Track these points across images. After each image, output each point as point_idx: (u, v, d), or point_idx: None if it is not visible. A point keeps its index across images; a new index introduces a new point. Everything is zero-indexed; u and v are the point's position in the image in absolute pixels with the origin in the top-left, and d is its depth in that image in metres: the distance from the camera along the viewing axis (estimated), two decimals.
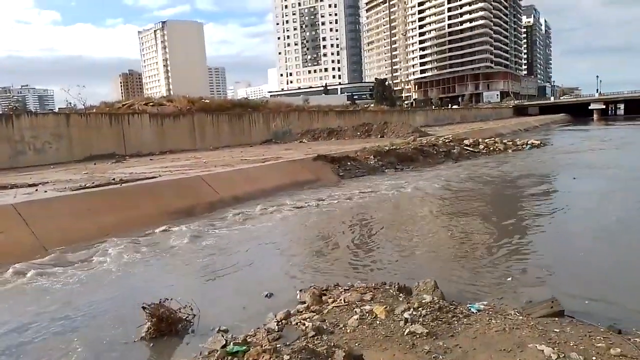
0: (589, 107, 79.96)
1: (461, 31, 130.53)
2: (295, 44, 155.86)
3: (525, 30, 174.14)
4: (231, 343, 3.71)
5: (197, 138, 25.43)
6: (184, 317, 4.36)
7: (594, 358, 3.11)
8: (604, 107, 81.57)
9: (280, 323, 4.07)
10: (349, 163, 16.13)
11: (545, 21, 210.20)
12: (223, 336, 3.96)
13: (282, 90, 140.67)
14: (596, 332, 3.52)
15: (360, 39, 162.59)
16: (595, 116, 75.07)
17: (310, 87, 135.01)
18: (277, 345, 3.46)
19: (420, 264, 6.20)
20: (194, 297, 4.59)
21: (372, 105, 64.62)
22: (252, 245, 7.56)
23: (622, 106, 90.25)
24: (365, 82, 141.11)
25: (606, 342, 3.32)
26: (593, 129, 45.50)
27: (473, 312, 4.02)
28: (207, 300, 4.99)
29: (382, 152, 17.76)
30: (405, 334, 3.59)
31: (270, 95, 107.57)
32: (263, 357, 3.30)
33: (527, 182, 13.02)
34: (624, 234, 7.41)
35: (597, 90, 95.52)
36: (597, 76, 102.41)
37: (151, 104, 28.08)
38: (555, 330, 3.54)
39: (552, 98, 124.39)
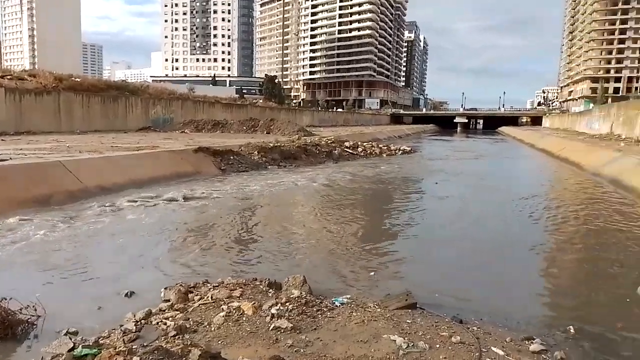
0: (455, 120, 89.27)
1: (350, 38, 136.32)
2: (184, 29, 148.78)
3: (406, 44, 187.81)
4: (80, 346, 3.38)
5: (63, 120, 22.93)
6: (25, 319, 3.85)
7: (437, 345, 3.43)
8: (466, 121, 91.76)
9: (139, 323, 3.80)
10: (232, 157, 15.83)
11: (424, 38, 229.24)
12: (71, 339, 3.58)
13: (167, 76, 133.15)
14: (442, 322, 3.89)
15: (253, 33, 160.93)
16: (459, 128, 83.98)
17: (198, 76, 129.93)
18: (133, 347, 3.23)
19: (294, 259, 6.29)
20: (41, 296, 4.09)
21: (261, 101, 64.42)
22: (115, 240, 6.99)
23: (481, 121, 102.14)
24: (255, 77, 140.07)
25: (449, 331, 3.68)
26: (456, 140, 50.74)
27: (337, 306, 4.18)
28: (57, 300, 4.48)
29: (266, 149, 17.77)
30: (270, 329, 3.60)
31: (153, 80, 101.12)
32: (116, 359, 3.05)
33: (397, 184, 14.06)
34: (474, 234, 8.34)
35: (462, 105, 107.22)
36: (463, 93, 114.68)
37: (9, 77, 24.58)
38: (407, 321, 3.83)
39: (424, 109, 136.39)
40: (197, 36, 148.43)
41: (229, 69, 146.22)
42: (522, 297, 5.22)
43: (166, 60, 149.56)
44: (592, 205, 11.04)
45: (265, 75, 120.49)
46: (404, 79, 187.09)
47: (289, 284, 4.70)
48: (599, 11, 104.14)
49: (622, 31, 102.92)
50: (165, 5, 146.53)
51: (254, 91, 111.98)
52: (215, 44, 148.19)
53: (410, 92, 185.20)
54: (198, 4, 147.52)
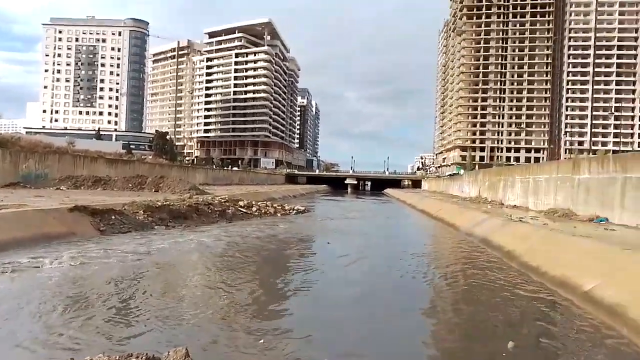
0: (345, 182, 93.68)
1: (245, 99, 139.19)
2: (67, 81, 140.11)
3: (299, 109, 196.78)
4: None
5: None
6: None
7: None
8: (356, 182, 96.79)
9: None
10: (113, 217, 14.68)
11: (316, 104, 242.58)
12: None
13: (44, 128, 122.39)
14: None
15: (144, 88, 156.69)
16: (349, 189, 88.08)
17: (80, 130, 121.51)
18: None
19: (179, 328, 5.86)
20: None
21: (150, 157, 61.74)
22: None
23: (369, 183, 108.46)
24: (145, 133, 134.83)
25: None
26: (347, 200, 53.03)
27: None
28: None
29: (153, 207, 16.82)
30: None
31: (27, 132, 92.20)
32: None
33: (290, 244, 14.09)
34: (364, 293, 8.57)
35: (352, 168, 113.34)
36: (352, 157, 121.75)
37: None
38: None
39: (317, 171, 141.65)
40: (81, 88, 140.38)
41: (116, 123, 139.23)
42: (404, 354, 5.40)
43: (44, 111, 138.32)
44: (467, 262, 12.08)
45: (156, 131, 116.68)
46: (298, 141, 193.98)
47: (170, 358, 4.33)
48: (464, 89, 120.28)
49: (483, 107, 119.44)
50: (47, 55, 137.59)
51: (143, 147, 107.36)
52: (101, 97, 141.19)
53: (304, 154, 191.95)
54: (84, 55, 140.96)
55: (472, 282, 9.62)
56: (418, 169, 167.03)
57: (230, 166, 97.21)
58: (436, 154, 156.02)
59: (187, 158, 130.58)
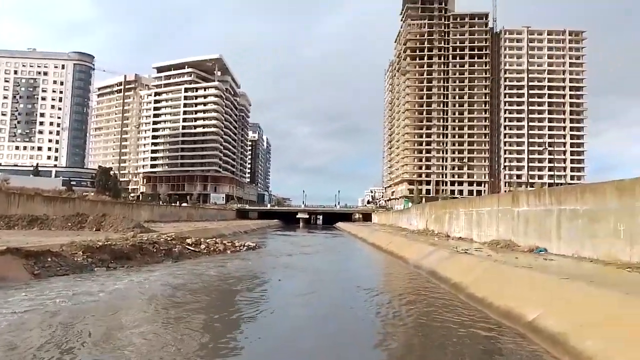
0: (297, 216, 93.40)
1: (195, 134, 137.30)
2: (3, 114, 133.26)
3: (250, 143, 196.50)
4: None
5: None
6: None
7: None
8: (308, 216, 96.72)
9: None
10: (49, 259, 13.74)
11: (267, 139, 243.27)
12: None
13: None
14: None
15: (88, 122, 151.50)
16: (301, 224, 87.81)
17: (16, 166, 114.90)
18: None
19: None
20: None
21: (92, 194, 59.04)
22: None
23: (321, 217, 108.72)
24: (87, 169, 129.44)
25: None
26: (299, 235, 52.73)
27: None
28: None
29: (93, 248, 15.93)
30: None
31: None
32: None
33: (240, 283, 13.71)
34: (318, 332, 8.42)
35: (303, 202, 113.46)
36: (304, 191, 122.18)
37: None
38: None
39: (269, 205, 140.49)
40: (18, 122, 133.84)
41: (56, 158, 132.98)
42: None
43: None
44: (416, 295, 12.22)
45: (99, 166, 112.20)
46: (249, 175, 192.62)
47: None
48: (410, 125, 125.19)
49: (428, 143, 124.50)
50: None
51: (85, 183, 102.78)
52: (41, 132, 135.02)
53: (255, 188, 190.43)
54: (24, 89, 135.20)
55: (421, 315, 9.71)
56: (368, 202, 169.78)
57: (178, 202, 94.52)
58: (385, 188, 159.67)
59: (132, 194, 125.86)
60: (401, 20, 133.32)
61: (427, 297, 11.75)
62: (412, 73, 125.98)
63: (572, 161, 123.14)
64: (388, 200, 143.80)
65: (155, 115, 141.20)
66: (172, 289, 12.09)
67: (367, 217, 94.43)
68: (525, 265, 11.69)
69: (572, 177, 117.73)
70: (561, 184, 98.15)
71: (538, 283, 9.41)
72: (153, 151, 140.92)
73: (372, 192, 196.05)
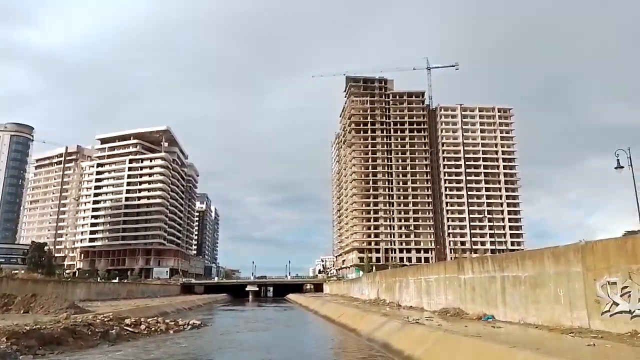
0: (247, 289, 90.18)
1: (138, 206, 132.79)
2: None
3: (198, 214, 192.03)
4: None
5: None
6: None
7: None
8: (258, 289, 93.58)
9: None
10: None
11: (215, 209, 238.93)
12: None
13: None
14: None
15: (23, 195, 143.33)
16: (251, 297, 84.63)
17: None
18: None
19: None
20: None
21: (23, 272, 54.56)
22: None
23: (271, 289, 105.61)
24: (19, 244, 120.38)
25: None
26: (248, 310, 50.68)
27: None
28: None
29: (19, 333, 14.43)
30: None
31: None
32: None
33: None
34: None
35: (253, 274, 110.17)
36: (253, 262, 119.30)
37: None
38: None
39: (216, 278, 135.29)
40: None
41: None
42: None
43: None
44: None
45: (32, 241, 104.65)
46: (195, 247, 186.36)
47: None
48: (357, 195, 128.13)
49: (375, 212, 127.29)
50: None
51: (15, 260, 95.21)
52: None
53: (202, 261, 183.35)
54: None
55: None
56: (320, 271, 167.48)
57: (117, 277, 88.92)
58: (336, 256, 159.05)
59: (67, 271, 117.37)
60: (345, 97, 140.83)
61: None
62: (357, 145, 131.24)
63: (510, 227, 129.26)
64: (339, 269, 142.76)
65: (96, 187, 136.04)
66: None
67: (318, 287, 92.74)
68: (474, 334, 11.80)
69: (512, 243, 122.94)
70: (503, 250, 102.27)
71: (487, 353, 9.49)
72: (93, 224, 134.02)
73: (323, 260, 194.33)
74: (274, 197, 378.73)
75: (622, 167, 24.54)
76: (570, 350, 8.56)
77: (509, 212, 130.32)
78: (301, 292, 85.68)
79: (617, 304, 10.86)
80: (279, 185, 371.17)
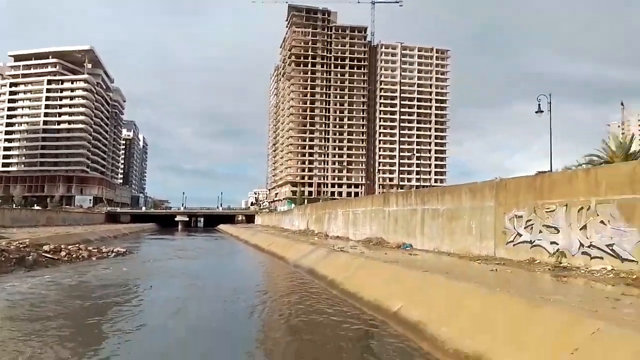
0: (176, 219, 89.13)
1: (58, 131, 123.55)
2: None
3: (124, 142, 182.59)
4: None
5: None
6: None
7: None
8: (188, 219, 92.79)
9: None
10: None
11: (144, 137, 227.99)
12: None
13: None
14: None
15: None
16: (180, 227, 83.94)
17: None
18: None
19: None
20: None
21: None
22: None
23: (202, 219, 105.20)
24: None
25: None
26: (177, 239, 50.34)
27: None
28: None
29: None
30: None
31: None
32: None
33: (106, 293, 12.56)
34: (196, 339, 8.04)
35: (183, 204, 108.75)
36: (184, 192, 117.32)
37: None
38: None
39: (144, 208, 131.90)
40: None
41: None
42: None
43: None
44: (294, 293, 12.40)
45: None
46: (122, 176, 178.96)
47: None
48: (294, 129, 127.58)
49: (311, 146, 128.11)
50: None
51: None
52: None
53: (129, 190, 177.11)
54: None
55: (299, 312, 9.87)
56: (252, 204, 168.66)
57: (35, 205, 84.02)
58: (269, 190, 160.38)
59: None
60: (287, 27, 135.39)
61: (304, 294, 11.98)
62: (297, 79, 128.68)
63: (436, 166, 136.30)
64: (272, 201, 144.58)
65: (10, 109, 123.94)
66: (21, 300, 10.64)
67: (250, 219, 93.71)
68: (393, 260, 12.55)
69: (435, 181, 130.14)
70: (426, 186, 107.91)
71: (402, 277, 10.17)
72: (6, 148, 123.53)
73: (256, 193, 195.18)
74: (208, 128, 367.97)
75: (542, 111, 26.15)
76: (476, 275, 9.36)
77: (437, 152, 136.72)
78: (233, 224, 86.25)
79: (520, 235, 11.94)
80: (214, 116, 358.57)
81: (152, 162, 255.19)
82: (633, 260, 8.83)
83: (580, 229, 10.12)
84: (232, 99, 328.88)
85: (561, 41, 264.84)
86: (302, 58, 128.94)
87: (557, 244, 10.78)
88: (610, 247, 9.39)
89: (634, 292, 7.12)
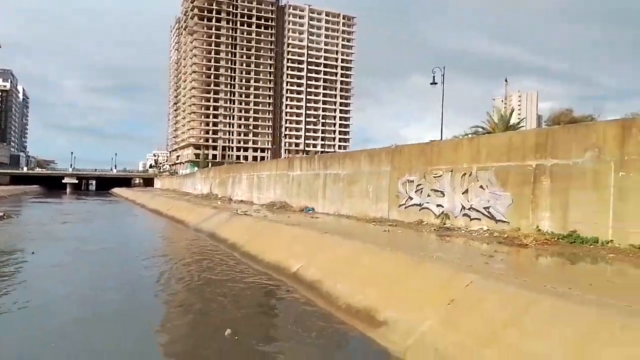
0: (64, 181, 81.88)
1: None
2: None
3: (1, 94, 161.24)
4: None
5: None
6: None
7: None
8: (77, 181, 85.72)
9: None
10: None
11: (24, 89, 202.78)
12: None
13: None
14: None
15: None
16: (69, 189, 77.44)
17: None
18: None
19: None
20: None
21: None
22: None
23: (94, 182, 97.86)
24: None
25: None
26: (65, 202, 46.42)
27: None
28: None
29: None
30: None
31: None
32: None
33: None
34: (87, 304, 7.58)
35: (72, 165, 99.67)
36: (72, 152, 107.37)
37: None
38: None
39: (25, 168, 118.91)
40: None
41: None
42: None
43: None
44: (193, 256, 12.19)
45: None
46: None
47: None
48: (197, 88, 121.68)
49: (215, 108, 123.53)
50: None
51: None
52: None
53: (7, 148, 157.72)
54: None
55: (198, 274, 9.76)
56: (151, 166, 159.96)
57: None
58: (170, 152, 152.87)
59: None
60: None
61: (205, 257, 11.84)
62: (200, 34, 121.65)
63: (340, 133, 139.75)
64: (173, 164, 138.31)
65: None
66: None
67: (149, 182, 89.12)
68: (295, 223, 12.83)
69: (340, 147, 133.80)
70: (331, 152, 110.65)
71: (303, 238, 10.47)
72: None
73: (155, 155, 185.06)
74: (100, 82, 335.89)
75: (436, 83, 27.82)
76: (370, 236, 9.94)
77: (341, 119, 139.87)
78: (129, 187, 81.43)
79: (411, 198, 12.84)
80: (108, 69, 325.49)
81: (35, 118, 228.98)
82: (505, 221, 9.99)
83: (463, 193, 11.15)
84: (128, 53, 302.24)
85: (459, 17, 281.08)
86: (205, 12, 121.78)
87: (443, 206, 11.79)
88: (487, 210, 10.50)
89: (504, 250, 8.09)
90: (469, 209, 11.01)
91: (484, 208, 10.60)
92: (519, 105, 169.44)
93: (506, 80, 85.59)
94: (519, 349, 4.24)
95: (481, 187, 10.65)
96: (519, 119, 43.39)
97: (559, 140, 8.98)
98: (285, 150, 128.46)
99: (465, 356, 4.57)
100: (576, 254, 7.52)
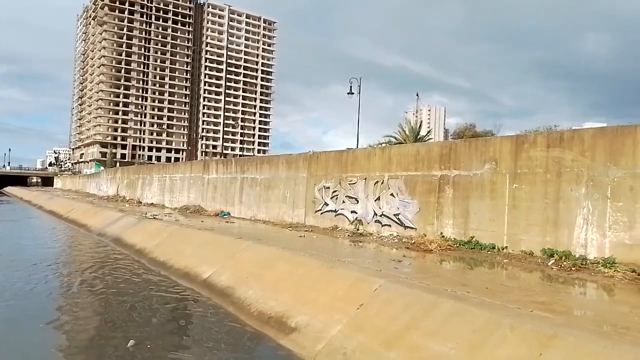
0: None
1: None
2: None
3: None
4: None
5: None
6: None
7: None
8: None
9: None
10: None
11: None
12: None
13: None
14: None
15: None
16: None
17: None
18: None
19: None
20: None
21: None
22: None
23: None
24: None
25: None
26: None
27: None
28: None
29: None
30: None
31: None
32: None
33: None
34: None
35: None
36: None
37: None
38: None
39: None
40: None
41: None
42: None
43: None
44: (95, 264, 11.34)
45: None
46: None
47: None
48: (105, 83, 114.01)
49: (125, 104, 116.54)
50: None
51: None
52: None
53: None
54: None
55: (100, 283, 9.09)
56: (50, 164, 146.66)
57: None
58: (73, 149, 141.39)
59: None
60: None
61: (108, 264, 11.07)
62: (110, 25, 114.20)
63: (259, 137, 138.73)
64: (76, 162, 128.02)
65: None
66: None
67: (48, 181, 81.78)
68: (208, 228, 12.48)
69: (259, 151, 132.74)
70: (249, 155, 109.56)
71: (215, 243, 10.21)
72: None
73: (56, 152, 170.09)
74: None
75: (353, 93, 28.69)
76: (285, 241, 9.96)
77: (260, 122, 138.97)
78: (25, 186, 74.04)
79: (327, 204, 13.09)
80: (2, 56, 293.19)
81: None
82: (413, 228, 10.53)
83: (375, 200, 11.58)
84: (27, 38, 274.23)
85: (375, 31, 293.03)
86: (117, 3, 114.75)
87: (357, 213, 12.15)
88: (397, 216, 11.00)
89: (412, 255, 8.52)
90: (380, 216, 11.46)
91: (394, 215, 11.08)
92: (429, 118, 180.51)
93: (417, 95, 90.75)
94: (422, 349, 4.48)
95: (392, 194, 11.14)
96: (428, 130, 46.15)
97: (461, 153, 9.68)
98: (202, 152, 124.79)
99: (371, 358, 4.73)
100: (475, 259, 8.13)
